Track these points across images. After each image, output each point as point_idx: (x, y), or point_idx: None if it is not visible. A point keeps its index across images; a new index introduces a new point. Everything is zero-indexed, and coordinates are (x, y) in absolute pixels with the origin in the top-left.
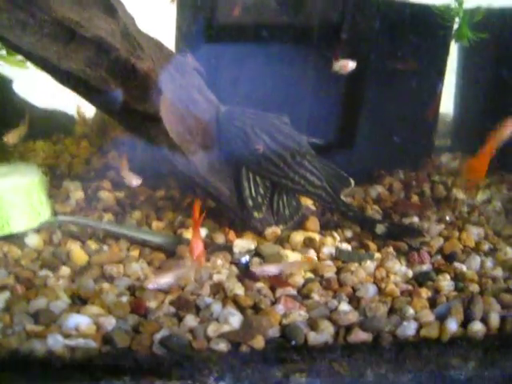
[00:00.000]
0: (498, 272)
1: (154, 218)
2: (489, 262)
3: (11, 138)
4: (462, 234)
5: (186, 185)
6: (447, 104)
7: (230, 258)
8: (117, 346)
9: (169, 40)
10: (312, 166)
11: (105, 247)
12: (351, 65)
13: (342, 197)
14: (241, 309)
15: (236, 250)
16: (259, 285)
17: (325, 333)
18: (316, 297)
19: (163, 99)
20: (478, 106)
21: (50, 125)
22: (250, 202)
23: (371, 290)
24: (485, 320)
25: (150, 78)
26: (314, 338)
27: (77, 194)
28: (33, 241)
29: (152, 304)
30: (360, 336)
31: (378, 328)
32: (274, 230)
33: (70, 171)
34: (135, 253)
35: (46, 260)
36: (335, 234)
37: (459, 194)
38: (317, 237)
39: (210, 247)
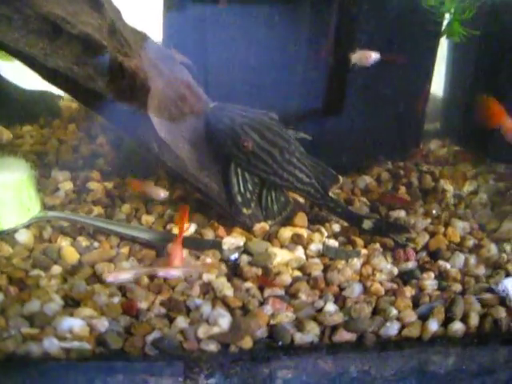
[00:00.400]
0: (481, 270)
1: (143, 211)
2: (472, 260)
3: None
4: (448, 230)
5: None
6: (437, 85)
7: (220, 256)
8: (110, 347)
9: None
10: (301, 163)
11: (95, 244)
12: (374, 56)
13: (331, 193)
14: (230, 309)
15: (225, 247)
16: (248, 285)
17: (311, 334)
18: (303, 296)
19: (151, 97)
20: (468, 92)
21: (37, 107)
22: (239, 198)
23: (357, 289)
24: (465, 319)
25: (137, 76)
26: (300, 338)
27: (66, 184)
28: (23, 237)
29: (143, 305)
30: (344, 336)
31: (362, 329)
32: (262, 226)
33: (58, 159)
34: (125, 250)
35: (38, 259)
36: (323, 230)
37: (447, 184)
38: (305, 232)
39: (201, 245)
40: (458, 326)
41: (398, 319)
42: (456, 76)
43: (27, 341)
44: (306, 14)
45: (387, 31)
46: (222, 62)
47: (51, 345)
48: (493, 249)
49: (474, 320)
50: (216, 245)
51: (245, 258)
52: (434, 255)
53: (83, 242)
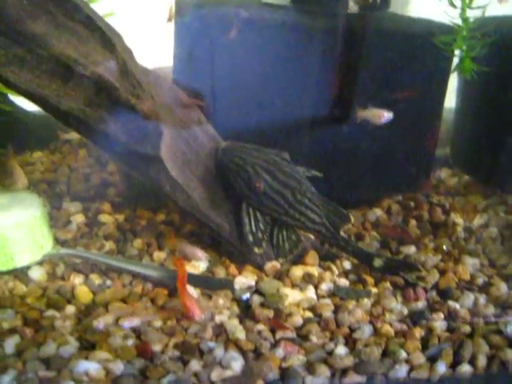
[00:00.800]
0: (490, 310)
1: (155, 246)
2: (482, 299)
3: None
4: (458, 267)
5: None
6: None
7: (231, 295)
8: None
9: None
10: (312, 203)
11: (108, 282)
12: (387, 116)
13: (342, 231)
14: (242, 352)
15: (237, 286)
16: (260, 327)
17: (321, 377)
18: (314, 339)
19: (164, 140)
20: (477, 122)
21: (47, 132)
22: (251, 238)
23: (367, 331)
24: (473, 361)
25: (149, 119)
26: (311, 381)
27: (77, 217)
28: (36, 274)
29: (157, 347)
30: (354, 379)
31: (372, 371)
32: (273, 265)
33: (70, 188)
34: (138, 288)
35: (52, 298)
36: (334, 268)
37: (457, 218)
38: (316, 271)
39: (212, 284)
40: (465, 368)
41: (407, 361)
42: (466, 107)
43: None
44: (316, 48)
45: (397, 67)
46: (232, 88)
47: None
48: (502, 287)
49: (482, 362)
50: (228, 284)
51: (256, 298)
52: (444, 294)
53: (96, 279)
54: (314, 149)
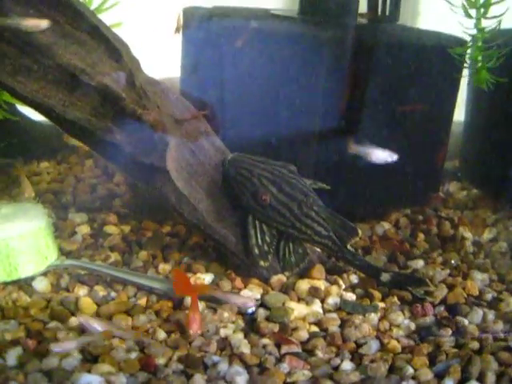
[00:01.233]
0: (499, 326)
1: (160, 259)
2: (491, 315)
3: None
4: (467, 282)
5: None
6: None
7: (237, 309)
8: None
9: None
10: (319, 216)
11: (112, 293)
12: (382, 156)
13: (349, 246)
14: (247, 367)
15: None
16: (265, 341)
17: None
18: (320, 354)
19: (170, 151)
20: (487, 135)
21: (54, 142)
22: (256, 251)
23: (374, 346)
24: (481, 378)
25: (156, 130)
26: None
27: (83, 228)
28: (41, 286)
29: (161, 361)
30: None
31: None
32: (279, 278)
33: (76, 199)
34: (142, 301)
35: (55, 310)
36: (340, 282)
37: (466, 232)
38: (322, 285)
39: (218, 300)
40: None
41: (414, 378)
42: (475, 120)
43: None
44: (324, 59)
45: (406, 80)
46: (240, 99)
47: None
48: None
49: (491, 379)
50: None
51: (262, 312)
52: (452, 310)
53: (100, 291)
54: (321, 161)
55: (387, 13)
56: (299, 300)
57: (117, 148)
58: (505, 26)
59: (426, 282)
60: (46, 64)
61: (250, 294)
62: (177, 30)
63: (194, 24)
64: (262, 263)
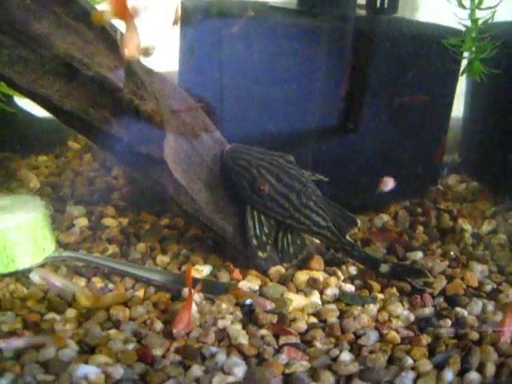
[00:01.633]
0: (499, 317)
1: (158, 250)
2: (490, 306)
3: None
4: (466, 273)
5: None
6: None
7: (235, 300)
8: None
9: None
10: (317, 206)
11: (110, 285)
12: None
13: (348, 236)
14: (245, 358)
15: None
16: (263, 332)
17: (325, 383)
18: (318, 344)
19: (167, 142)
20: (486, 128)
21: (53, 137)
22: (255, 241)
23: (373, 337)
24: (481, 369)
25: (153, 120)
26: None
27: (81, 220)
28: (38, 277)
29: (158, 352)
30: None
31: (377, 379)
32: (278, 269)
33: (74, 192)
34: (140, 292)
35: (52, 301)
36: (339, 273)
37: (465, 224)
38: (321, 276)
39: (215, 289)
40: (473, 376)
41: (414, 368)
42: (474, 113)
43: None
44: (322, 47)
45: (405, 71)
46: (238, 91)
47: None
48: (511, 294)
49: (491, 370)
50: (231, 289)
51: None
52: (452, 301)
53: (98, 283)
54: (321, 153)
55: (385, 5)
56: (298, 291)
57: (114, 138)
58: (500, 17)
59: (425, 273)
60: (43, 54)
61: (249, 285)
62: (175, 23)
63: (192, 16)
64: (260, 254)
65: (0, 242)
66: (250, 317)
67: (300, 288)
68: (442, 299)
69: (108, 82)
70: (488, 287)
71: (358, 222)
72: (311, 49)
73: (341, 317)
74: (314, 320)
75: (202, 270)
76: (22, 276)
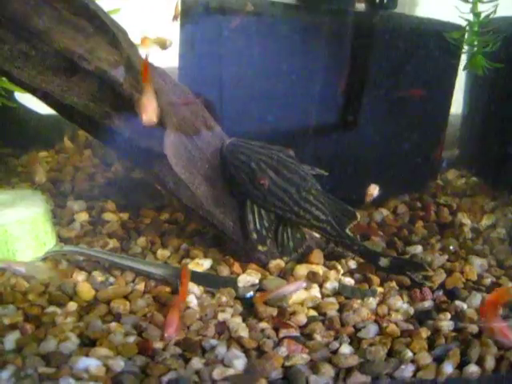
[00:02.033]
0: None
1: (158, 245)
2: None
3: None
4: (465, 267)
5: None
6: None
7: (235, 293)
8: None
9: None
10: (317, 200)
11: (111, 279)
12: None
13: (347, 230)
14: (245, 350)
15: (240, 284)
16: (263, 325)
17: (325, 376)
18: (318, 337)
19: (168, 135)
20: (486, 123)
21: (53, 133)
22: (255, 235)
23: (372, 330)
24: (480, 362)
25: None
26: (314, 380)
27: (81, 215)
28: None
29: (158, 344)
30: (359, 378)
31: (377, 371)
32: (278, 263)
33: (74, 187)
34: (141, 286)
35: (53, 295)
36: (339, 267)
37: (464, 218)
38: (320, 270)
39: (215, 282)
40: (473, 369)
41: (413, 361)
42: (474, 108)
43: (44, 380)
44: (321, 42)
45: (405, 65)
46: (238, 85)
47: None
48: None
49: (490, 363)
50: (231, 282)
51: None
52: (451, 294)
53: (98, 277)
54: (320, 147)
55: (385, 0)
56: None
57: (115, 133)
58: (502, 12)
59: (425, 266)
60: (43, 50)
61: (249, 279)
62: (175, 18)
63: (192, 11)
64: (260, 248)
65: (1, 236)
66: (250, 310)
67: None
68: (441, 293)
69: (108, 77)
70: (487, 281)
71: (358, 215)
72: (310, 43)
73: (340, 310)
74: (313, 313)
75: (202, 264)
76: None
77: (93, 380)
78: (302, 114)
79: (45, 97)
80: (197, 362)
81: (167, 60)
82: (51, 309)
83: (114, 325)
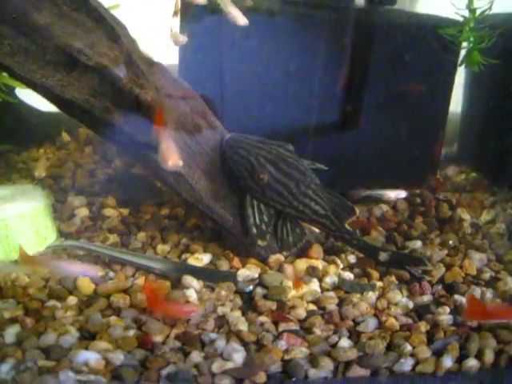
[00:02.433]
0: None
1: (158, 240)
2: (489, 294)
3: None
4: (464, 262)
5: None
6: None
7: (234, 288)
8: (125, 381)
9: None
10: (316, 195)
11: (111, 273)
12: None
13: (346, 225)
14: (244, 344)
15: (240, 279)
16: (262, 319)
17: (325, 369)
18: (317, 331)
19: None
20: (485, 119)
21: (54, 129)
22: (254, 230)
23: (371, 324)
24: (479, 356)
25: (153, 109)
26: (314, 373)
27: (82, 211)
28: None
29: (158, 338)
30: (358, 372)
31: (376, 365)
32: (277, 257)
33: (75, 183)
34: (140, 280)
35: (53, 289)
36: (338, 261)
37: (464, 213)
38: (320, 264)
39: (215, 277)
40: (472, 363)
41: (412, 355)
42: (473, 104)
43: (43, 373)
44: (321, 38)
45: (404, 61)
46: (239, 81)
47: (67, 378)
48: (510, 282)
49: (489, 357)
50: (231, 277)
51: (259, 290)
52: (450, 289)
53: (99, 271)
54: (321, 143)
55: None
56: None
57: (115, 128)
58: (498, 8)
59: (424, 261)
60: (43, 45)
61: (248, 273)
62: (175, 14)
63: (192, 8)
64: (260, 243)
65: (2, 230)
66: (249, 304)
67: (299, 276)
68: (440, 287)
69: (108, 72)
70: (486, 275)
71: (357, 210)
72: (310, 39)
73: (340, 304)
74: (313, 307)
75: (202, 259)
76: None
77: (92, 373)
78: (301, 110)
79: (45, 92)
80: (196, 356)
81: (168, 57)
82: (51, 303)
83: (113, 318)
